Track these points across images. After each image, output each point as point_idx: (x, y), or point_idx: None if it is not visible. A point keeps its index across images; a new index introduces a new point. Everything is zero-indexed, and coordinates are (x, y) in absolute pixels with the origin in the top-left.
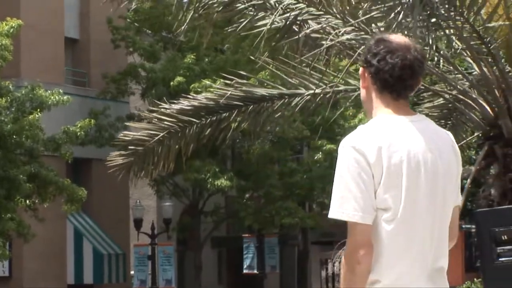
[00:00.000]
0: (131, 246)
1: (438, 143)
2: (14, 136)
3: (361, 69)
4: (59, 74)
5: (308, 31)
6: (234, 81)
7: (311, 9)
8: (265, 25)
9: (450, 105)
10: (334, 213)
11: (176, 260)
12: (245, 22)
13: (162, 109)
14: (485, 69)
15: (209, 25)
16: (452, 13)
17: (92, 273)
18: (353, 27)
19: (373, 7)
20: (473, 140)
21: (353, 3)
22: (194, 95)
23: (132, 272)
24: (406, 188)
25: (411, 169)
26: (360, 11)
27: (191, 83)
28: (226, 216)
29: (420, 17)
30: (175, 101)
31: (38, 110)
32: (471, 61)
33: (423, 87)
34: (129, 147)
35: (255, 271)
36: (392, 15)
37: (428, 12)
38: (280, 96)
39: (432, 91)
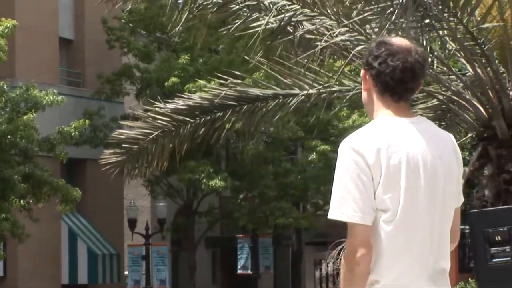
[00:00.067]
0: (125, 246)
1: (439, 144)
2: (9, 137)
3: (362, 71)
4: (54, 75)
5: (302, 32)
6: (228, 81)
7: (306, 10)
8: (259, 26)
9: (444, 106)
10: (334, 214)
11: (170, 260)
12: (239, 23)
13: (156, 108)
14: (479, 70)
15: (204, 26)
16: (445, 14)
17: (87, 273)
18: (347, 28)
19: (367, 8)
20: (467, 141)
21: (347, 4)
22: (189, 94)
23: (126, 272)
24: (405, 189)
25: (410, 170)
26: (354, 12)
27: (186, 84)
28: (220, 217)
29: (414, 18)
30: (169, 101)
31: (33, 110)
32: (465, 62)
33: None
34: (123, 145)
35: (249, 272)
36: (385, 15)
37: (422, 13)
38: (274, 97)
39: (426, 92)
